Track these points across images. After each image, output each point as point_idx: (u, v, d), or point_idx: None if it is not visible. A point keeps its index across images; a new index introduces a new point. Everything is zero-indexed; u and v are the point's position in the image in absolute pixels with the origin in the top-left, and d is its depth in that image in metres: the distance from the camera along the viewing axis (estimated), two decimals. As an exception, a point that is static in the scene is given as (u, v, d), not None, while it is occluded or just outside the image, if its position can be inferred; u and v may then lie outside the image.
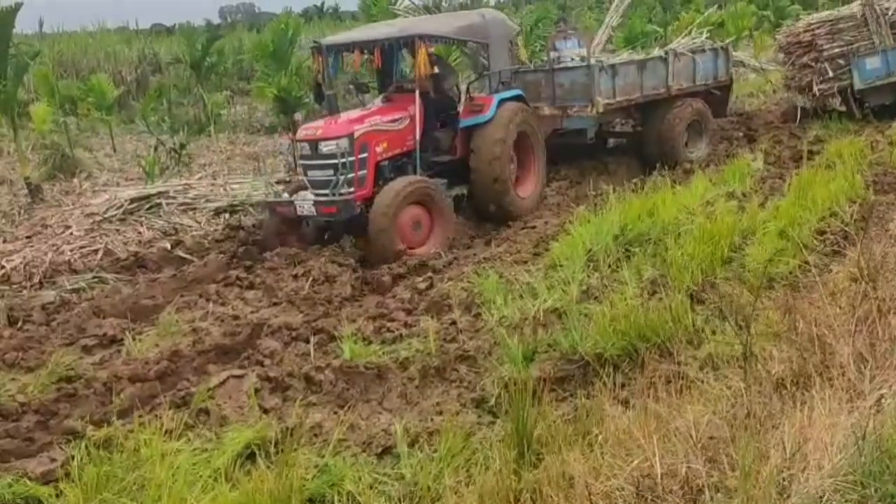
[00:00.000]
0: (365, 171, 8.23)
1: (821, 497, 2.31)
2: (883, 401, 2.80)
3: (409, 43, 8.81)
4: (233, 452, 4.31)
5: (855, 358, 3.21)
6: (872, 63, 12.74)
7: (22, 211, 11.32)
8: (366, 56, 9.25)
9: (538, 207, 9.75)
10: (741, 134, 13.20)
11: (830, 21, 13.23)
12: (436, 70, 8.87)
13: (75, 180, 13.22)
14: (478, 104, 9.24)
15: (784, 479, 2.45)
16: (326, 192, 8.04)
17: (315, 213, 8.15)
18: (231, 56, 25.10)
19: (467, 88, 9.85)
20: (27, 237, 9.43)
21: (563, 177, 11.06)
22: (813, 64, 13.12)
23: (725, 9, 24.02)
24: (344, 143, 8.07)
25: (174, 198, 10.23)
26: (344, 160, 7.99)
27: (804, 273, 6.24)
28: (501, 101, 9.28)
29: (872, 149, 10.87)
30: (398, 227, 7.95)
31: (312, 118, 10.73)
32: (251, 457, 4.33)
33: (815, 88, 13.02)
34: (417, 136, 8.68)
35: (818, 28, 13.21)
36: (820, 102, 13.40)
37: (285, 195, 8.54)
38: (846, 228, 7.05)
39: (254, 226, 9.26)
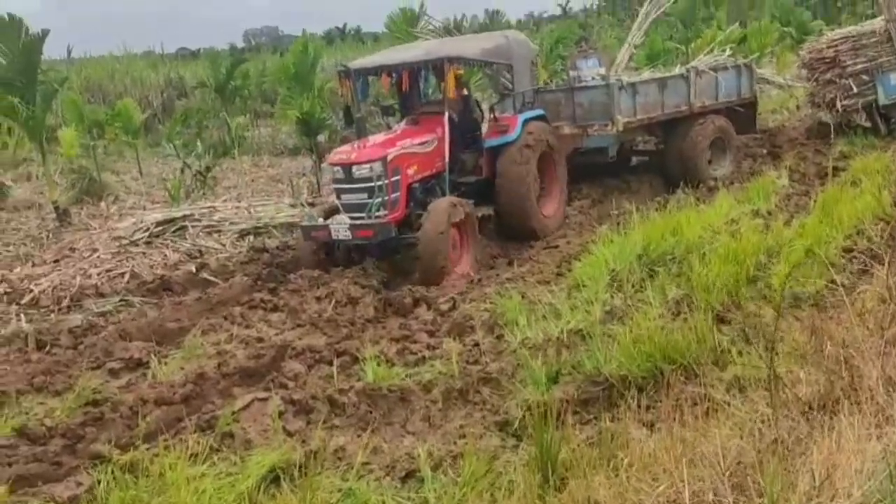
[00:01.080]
0: (398, 194, 8.27)
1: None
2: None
3: (437, 66, 8.85)
4: (257, 476, 4.32)
5: (884, 381, 3.15)
6: (897, 79, 12.62)
7: (50, 235, 11.51)
8: (393, 79, 9.29)
9: (561, 226, 9.75)
10: (765, 151, 13.12)
11: (853, 37, 13.15)
12: (464, 91, 8.97)
13: (102, 204, 13.42)
14: (503, 124, 9.32)
15: (813, 508, 2.41)
16: (362, 215, 8.09)
17: (351, 237, 8.15)
18: (255, 79, 25.42)
19: (491, 109, 9.91)
20: (55, 261, 9.56)
21: (586, 195, 11.04)
22: (836, 80, 13.03)
23: (748, 25, 23.94)
24: (378, 166, 8.11)
25: (199, 220, 10.34)
26: (378, 183, 8.04)
27: (832, 292, 6.17)
28: (526, 121, 9.35)
29: (898, 166, 10.74)
30: (448, 248, 8.04)
31: (337, 141, 10.82)
32: (276, 480, 4.33)
33: (839, 104, 12.93)
34: (446, 158, 8.75)
35: (841, 44, 13.13)
36: (844, 118, 13.27)
37: (320, 219, 8.55)
38: (873, 247, 6.95)
39: (278, 247, 9.33)
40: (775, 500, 2.46)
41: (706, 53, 12.90)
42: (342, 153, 8.44)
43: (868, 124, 13.37)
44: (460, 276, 8.05)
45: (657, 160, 12.05)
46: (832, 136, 13.19)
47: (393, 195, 8.20)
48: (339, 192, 8.47)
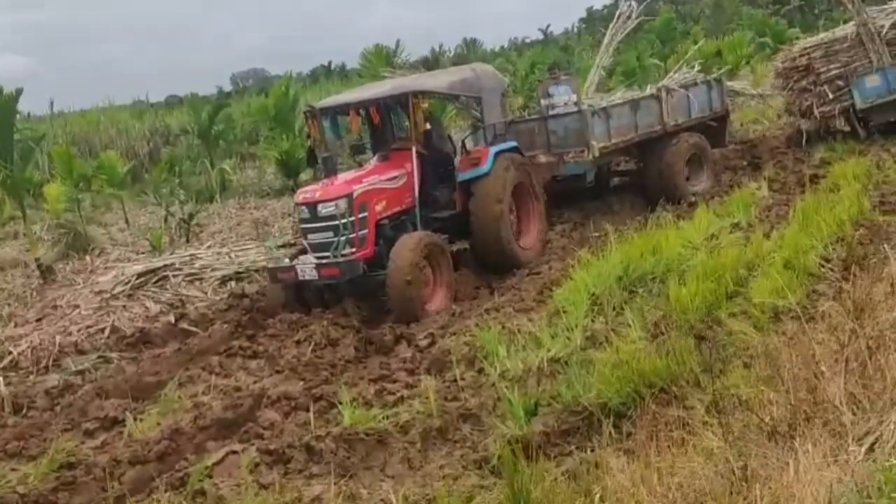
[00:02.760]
0: (366, 231, 8.17)
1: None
2: (876, 447, 2.66)
3: (402, 101, 8.75)
4: (229, 534, 4.22)
5: (846, 399, 3.07)
6: (872, 82, 12.66)
7: (34, 293, 11.42)
8: (362, 116, 9.22)
9: (543, 254, 9.67)
10: (745, 162, 13.12)
11: (825, 44, 13.22)
12: (427, 126, 8.83)
13: (87, 258, 13.35)
14: (475, 157, 9.21)
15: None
16: (328, 254, 7.98)
17: (317, 277, 8.02)
18: (240, 122, 25.52)
19: (462, 142, 9.85)
20: (37, 319, 9.48)
21: (567, 219, 11.04)
22: (812, 87, 13.07)
23: (723, 38, 24.09)
24: (343, 203, 8.01)
25: (180, 269, 10.28)
26: (344, 220, 7.95)
27: (813, 304, 6.10)
28: (497, 154, 9.21)
29: (879, 168, 10.74)
30: (419, 285, 7.89)
31: (315, 180, 10.74)
32: (247, 538, 4.23)
33: (816, 112, 12.95)
34: (416, 193, 8.64)
35: (813, 52, 13.19)
36: (823, 125, 13.31)
37: (286, 260, 8.46)
38: (853, 254, 6.90)
39: (257, 292, 9.24)
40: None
41: (676, 71, 12.90)
42: (308, 192, 8.37)
43: (847, 129, 13.39)
44: (436, 311, 7.90)
45: (637, 179, 12.02)
46: (812, 142, 13.21)
47: (360, 232, 8.10)
48: (305, 232, 8.40)
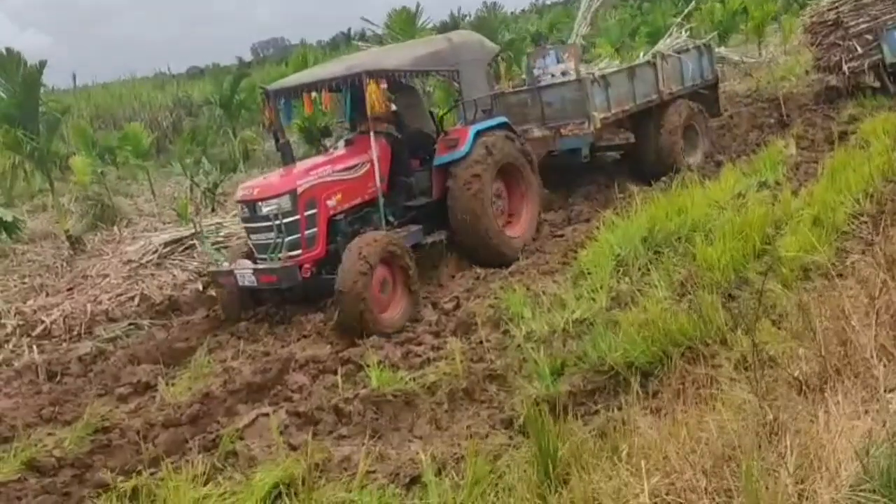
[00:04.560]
0: (315, 230, 7.29)
1: (841, 508, 2.18)
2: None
3: (355, 81, 7.62)
4: (261, 494, 4.30)
5: (878, 351, 3.04)
6: (902, 35, 12.34)
7: (65, 264, 11.59)
8: (315, 98, 8.13)
9: (533, 241, 8.87)
10: (773, 120, 12.90)
11: (854, -3, 12.88)
12: (393, 107, 8.12)
13: (115, 228, 13.50)
14: (452, 139, 8.30)
15: (797, 494, 2.31)
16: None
17: (256, 283, 7.16)
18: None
19: (438, 121, 9.03)
20: (68, 289, 9.64)
21: (591, 181, 10.87)
22: (840, 42, 12.80)
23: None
24: (286, 201, 7.13)
25: (207, 238, 10.36)
26: (287, 220, 7.11)
27: (841, 261, 6.03)
28: (479, 133, 8.36)
29: (910, 123, 10.50)
30: (371, 293, 6.88)
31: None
32: (280, 497, 4.31)
33: (845, 67, 12.69)
34: (378, 183, 7.71)
35: (842, 6, 12.88)
36: (852, 80, 13.03)
37: (225, 264, 7.68)
38: (884, 210, 6.78)
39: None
40: (756, 486, 2.37)
41: (667, 37, 12.39)
42: (246, 188, 7.42)
43: (877, 84, 13.11)
44: (393, 319, 7.01)
45: (631, 152, 11.39)
46: (841, 98, 12.96)
47: (308, 231, 7.24)
48: (248, 232, 7.56)
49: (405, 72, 8.32)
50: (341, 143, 8.66)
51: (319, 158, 8.27)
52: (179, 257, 9.92)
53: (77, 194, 16.11)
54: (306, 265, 7.18)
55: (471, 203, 8.07)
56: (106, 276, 9.74)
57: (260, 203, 7.17)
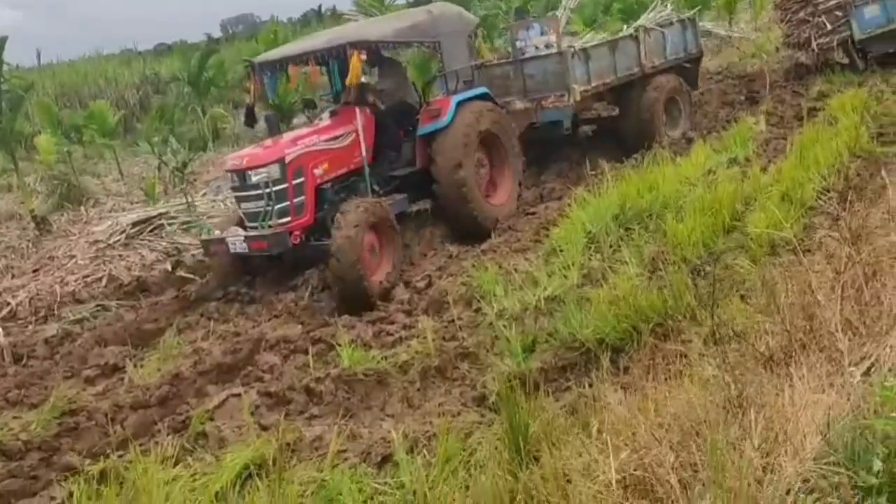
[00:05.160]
0: (303, 198, 7.46)
1: (805, 482, 2.20)
2: (872, 371, 2.67)
3: (339, 52, 7.89)
4: (231, 475, 4.27)
5: (842, 325, 3.07)
6: (871, 12, 12.40)
7: (30, 244, 11.39)
8: (301, 70, 8.47)
9: (515, 211, 9.05)
10: (743, 97, 12.95)
11: (824, -27, 12.92)
12: (368, 79, 8.24)
13: (82, 208, 13.28)
14: (434, 109, 8.44)
15: (762, 467, 2.34)
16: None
17: (248, 250, 7.34)
18: (231, 69, 25.10)
19: (423, 92, 9.20)
20: (34, 270, 9.48)
21: (566, 157, 10.85)
22: (810, 18, 12.84)
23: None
24: (274, 169, 7.30)
25: (175, 217, 10.24)
26: (276, 188, 7.26)
27: (809, 236, 6.10)
28: (460, 103, 8.50)
29: (878, 100, 10.60)
30: (363, 255, 7.10)
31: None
32: (250, 477, 4.28)
33: (814, 43, 12.75)
34: (364, 153, 7.85)
35: (812, -19, 12.91)
36: (821, 57, 13.10)
37: (216, 232, 7.80)
38: (850, 185, 6.86)
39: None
40: (721, 459, 2.39)
41: (651, 10, 12.38)
42: (236, 158, 7.62)
43: (846, 61, 13.19)
44: (381, 281, 7.25)
45: (613, 126, 11.39)
46: (810, 75, 13.04)
47: (297, 199, 7.39)
48: (238, 200, 7.76)
49: (388, 43, 8.62)
50: (326, 114, 8.76)
51: (305, 129, 8.41)
52: (148, 237, 9.79)
53: (42, 174, 15.82)
54: (295, 232, 7.34)
55: (454, 172, 8.24)
56: (73, 256, 9.58)
57: (249, 172, 7.35)
